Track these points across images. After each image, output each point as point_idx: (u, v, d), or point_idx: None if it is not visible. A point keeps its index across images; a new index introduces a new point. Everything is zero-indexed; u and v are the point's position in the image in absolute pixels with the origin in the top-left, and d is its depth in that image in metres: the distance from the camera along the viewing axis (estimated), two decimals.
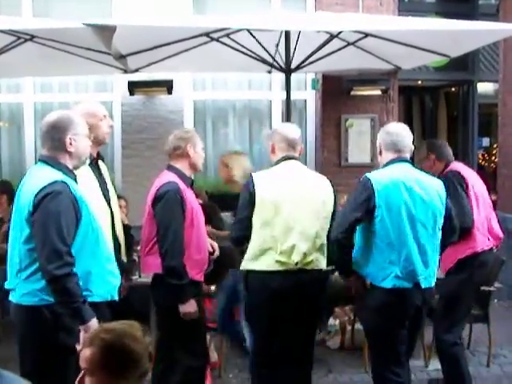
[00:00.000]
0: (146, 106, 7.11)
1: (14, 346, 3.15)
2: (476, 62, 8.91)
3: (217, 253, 4.09)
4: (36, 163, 3.24)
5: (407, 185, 3.65)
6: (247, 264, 3.81)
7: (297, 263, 3.71)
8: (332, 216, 3.89)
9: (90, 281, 3.05)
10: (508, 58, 7.39)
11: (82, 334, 2.91)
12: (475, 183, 4.49)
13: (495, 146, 10.51)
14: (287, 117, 5.62)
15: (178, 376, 3.85)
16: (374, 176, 3.70)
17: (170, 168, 3.96)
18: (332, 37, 5.44)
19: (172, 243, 3.69)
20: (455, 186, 4.30)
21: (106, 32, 4.23)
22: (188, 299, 3.73)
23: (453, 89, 9.94)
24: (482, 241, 4.40)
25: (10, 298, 3.10)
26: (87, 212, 3.07)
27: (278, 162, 3.92)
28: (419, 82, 9.40)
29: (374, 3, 7.01)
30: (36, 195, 2.93)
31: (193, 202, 3.86)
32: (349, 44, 5.67)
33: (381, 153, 3.86)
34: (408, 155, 3.82)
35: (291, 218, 3.72)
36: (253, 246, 3.79)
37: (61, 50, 5.27)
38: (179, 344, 3.83)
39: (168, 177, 3.86)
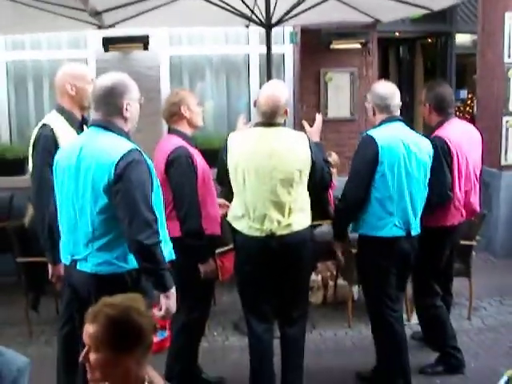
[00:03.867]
0: (122, 62, 6.94)
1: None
2: (454, 13, 8.86)
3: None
4: (89, 127, 3.13)
5: (405, 142, 3.90)
6: (231, 220, 3.85)
7: (271, 230, 3.68)
8: (313, 168, 3.75)
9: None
10: (486, 9, 7.35)
11: (162, 301, 2.97)
12: (464, 153, 4.26)
13: (470, 96, 10.58)
14: (268, 73, 5.52)
15: (179, 323, 3.99)
16: (376, 134, 3.91)
17: (173, 131, 4.00)
18: None
19: (190, 206, 3.77)
20: (439, 158, 4.15)
21: None
22: (208, 259, 3.88)
23: (429, 40, 9.91)
24: (454, 215, 4.31)
25: (79, 267, 3.02)
26: (155, 179, 3.06)
27: (255, 125, 3.84)
28: (396, 34, 9.34)
29: None
30: (117, 164, 2.85)
31: (201, 162, 3.91)
32: None
33: (374, 114, 4.05)
34: (398, 113, 4.05)
35: (261, 186, 3.65)
36: (233, 207, 3.82)
37: (32, 7, 5.09)
38: (189, 297, 3.88)
39: (175, 141, 3.89)
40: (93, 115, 3.12)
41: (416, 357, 4.50)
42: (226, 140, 3.79)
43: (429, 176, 4.01)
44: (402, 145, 3.88)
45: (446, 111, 4.37)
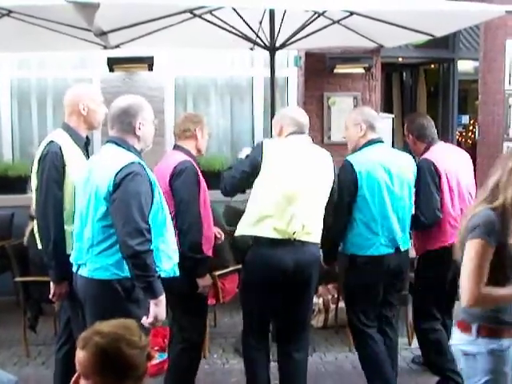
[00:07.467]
0: (126, 82, 6.97)
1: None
2: (456, 40, 8.93)
3: (222, 238, 4.38)
4: (104, 143, 3.34)
5: (386, 165, 4.03)
6: (244, 229, 3.82)
7: (294, 233, 3.70)
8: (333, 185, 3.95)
9: (158, 257, 3.14)
10: (488, 36, 7.41)
11: (152, 308, 3.07)
12: (453, 173, 4.33)
13: (472, 122, 10.62)
14: (272, 96, 5.55)
15: (178, 348, 3.99)
16: (355, 159, 4.03)
17: (179, 148, 4.04)
18: (317, 15, 5.37)
19: (195, 218, 3.77)
20: (426, 180, 4.22)
21: (88, 9, 4.11)
22: (206, 273, 3.89)
23: (432, 66, 9.97)
24: (453, 234, 4.23)
25: (80, 272, 3.21)
26: (158, 193, 3.19)
27: (287, 136, 3.96)
28: (400, 60, 9.40)
29: None
30: (116, 174, 3.04)
31: (203, 183, 3.95)
32: (334, 22, 5.60)
33: (365, 135, 4.12)
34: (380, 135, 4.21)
35: (295, 189, 3.73)
36: (252, 212, 3.80)
37: (39, 26, 5.13)
38: (185, 318, 3.94)
39: (181, 156, 3.93)
40: (109, 133, 3.32)
41: (417, 381, 4.48)
42: (260, 146, 3.82)
43: (414, 191, 4.17)
44: (382, 168, 4.01)
45: (429, 137, 4.48)
